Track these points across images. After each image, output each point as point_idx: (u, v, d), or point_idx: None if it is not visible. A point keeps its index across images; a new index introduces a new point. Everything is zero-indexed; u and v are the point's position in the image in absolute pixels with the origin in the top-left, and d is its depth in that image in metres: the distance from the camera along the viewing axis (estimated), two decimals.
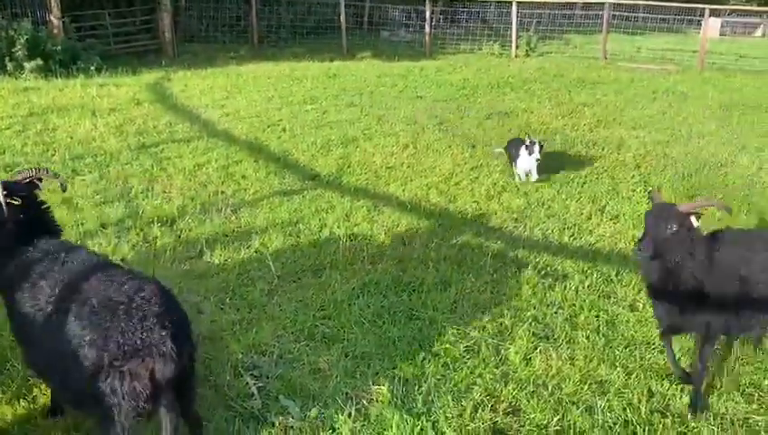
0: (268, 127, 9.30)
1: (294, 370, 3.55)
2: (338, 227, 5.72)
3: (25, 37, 12.15)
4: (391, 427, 3.11)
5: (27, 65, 12.13)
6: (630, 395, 3.45)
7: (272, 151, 8.13)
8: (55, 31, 13.08)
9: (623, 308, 4.39)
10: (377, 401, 3.34)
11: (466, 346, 3.87)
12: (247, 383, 3.40)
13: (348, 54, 17.59)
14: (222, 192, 6.60)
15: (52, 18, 13.22)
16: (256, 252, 5.19)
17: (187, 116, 9.75)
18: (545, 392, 3.46)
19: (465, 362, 3.69)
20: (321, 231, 5.67)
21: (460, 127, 9.60)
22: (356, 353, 3.75)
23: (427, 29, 18.54)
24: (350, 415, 3.18)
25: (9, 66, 12.11)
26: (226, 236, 5.47)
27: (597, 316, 4.25)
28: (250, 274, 4.80)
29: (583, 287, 4.60)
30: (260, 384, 3.39)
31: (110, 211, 5.84)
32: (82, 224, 5.51)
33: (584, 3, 19.58)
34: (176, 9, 16.40)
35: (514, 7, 18.23)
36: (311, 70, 14.57)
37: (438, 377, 3.55)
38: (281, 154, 8.03)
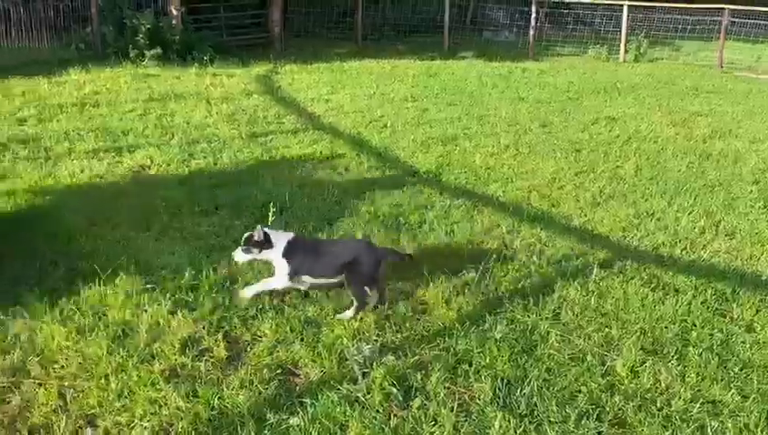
0: (370, 122, 9.44)
1: (397, 359, 3.60)
2: (437, 224, 5.74)
3: (147, 27, 12.94)
4: (494, 425, 3.10)
5: (148, 53, 12.90)
6: (746, 419, 3.28)
7: (373, 146, 8.26)
8: (174, 22, 13.83)
9: (739, 328, 4.16)
10: (478, 398, 3.34)
11: (570, 354, 3.79)
12: (352, 368, 3.49)
13: (449, 53, 17.56)
14: (326, 182, 6.77)
15: (172, 9, 13.99)
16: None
17: (294, 108, 10.07)
18: (653, 407, 3.34)
19: (570, 370, 3.62)
20: (420, 226, 5.71)
21: (564, 131, 9.39)
22: (457, 350, 3.76)
23: (531, 31, 18.21)
24: (452, 410, 3.20)
25: (132, 54, 12.93)
26: (331, 224, 5.61)
27: (710, 335, 4.05)
28: None
29: (696, 304, 4.39)
30: (365, 370, 3.47)
31: (223, 194, 6.12)
32: (199, 204, 5.81)
33: (700, 8, 18.56)
34: (285, 4, 16.92)
35: (625, 10, 17.58)
36: (412, 68, 14.67)
37: (541, 381, 3.50)
38: (382, 149, 8.14)
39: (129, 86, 10.69)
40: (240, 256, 4.23)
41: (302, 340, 3.79)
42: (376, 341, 3.80)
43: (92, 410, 3.13)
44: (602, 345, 3.91)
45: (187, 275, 4.40)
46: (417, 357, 3.65)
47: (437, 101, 11.22)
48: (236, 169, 6.99)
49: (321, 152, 7.80)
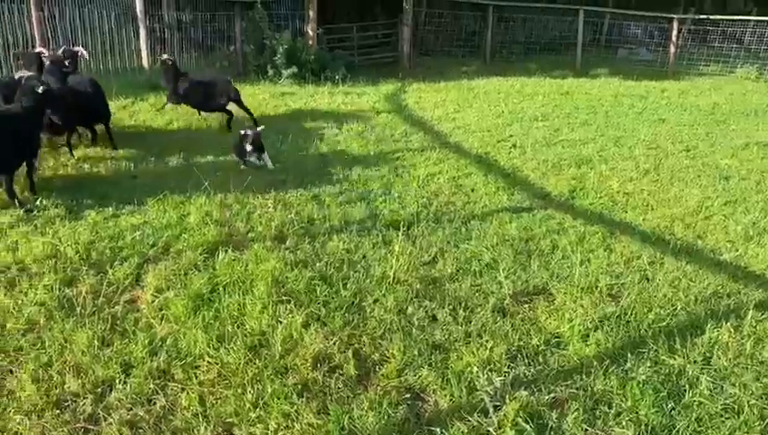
0: (498, 142, 9.28)
1: (531, 395, 3.44)
2: (571, 251, 5.49)
3: (285, 47, 13.56)
4: None
5: (285, 72, 13.52)
6: None
7: (501, 166, 8.10)
8: (310, 42, 14.41)
9: None
10: None
11: (724, 404, 3.44)
12: (482, 400, 3.37)
13: (582, 71, 16.98)
14: (452, 203, 6.70)
15: (308, 30, 14.59)
16: (487, 266, 5.16)
17: (422, 127, 10.11)
18: None
19: (724, 422, 3.29)
20: (552, 252, 5.49)
21: (710, 156, 8.72)
22: (595, 390, 3.53)
23: (672, 48, 17.20)
24: None
25: (270, 72, 13.60)
26: (457, 247, 5.53)
27: None
28: (481, 287, 4.79)
29: None
30: (496, 403, 3.34)
31: (353, 211, 6.22)
32: (329, 220, 5.94)
33: None
34: (415, 24, 17.14)
35: None
36: (542, 86, 14.31)
37: (691, 432, 3.20)
38: (510, 170, 7.96)
39: (267, 103, 11.23)
40: None
41: (430, 365, 3.73)
42: (507, 373, 3.66)
43: (230, 419, 3.24)
44: (761, 397, 3.52)
45: (318, 289, 4.49)
46: (552, 394, 3.46)
47: (570, 120, 10.85)
48: (365, 186, 7.09)
49: (447, 171, 7.75)
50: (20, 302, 4.18)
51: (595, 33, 20.03)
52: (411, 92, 13.25)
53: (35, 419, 3.17)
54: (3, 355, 3.67)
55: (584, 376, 3.66)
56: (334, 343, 3.87)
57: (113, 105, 10.19)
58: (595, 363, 3.74)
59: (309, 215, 6.06)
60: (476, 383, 3.55)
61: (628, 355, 3.85)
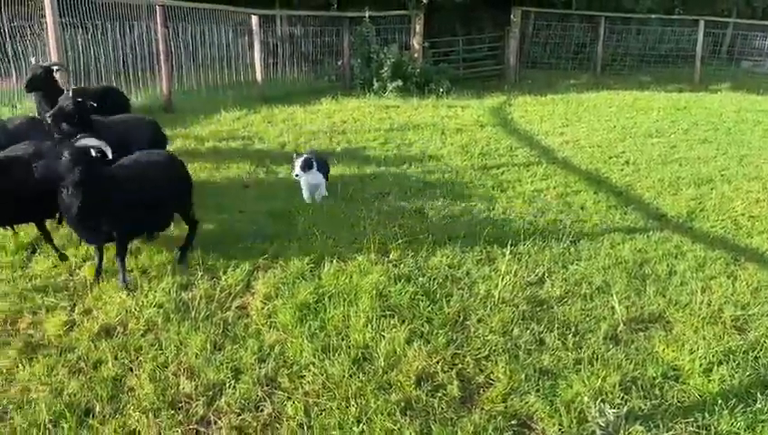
0: (609, 158, 8.91)
1: (647, 431, 3.22)
2: (690, 277, 5.14)
3: (392, 60, 13.73)
4: None
5: (390, 85, 13.69)
6: None
7: (613, 184, 7.75)
8: (416, 55, 14.52)
9: None
10: None
11: None
12: (594, 432, 3.20)
13: (700, 85, 16.04)
14: (560, 220, 6.47)
15: (414, 43, 14.71)
16: (598, 290, 4.93)
17: (527, 141, 9.89)
18: None
19: None
20: (669, 278, 5.16)
21: None
22: (719, 430, 3.26)
23: None
24: None
25: (375, 85, 13.81)
26: (566, 267, 5.32)
27: None
28: (592, 312, 4.57)
29: None
30: None
31: (456, 226, 6.15)
32: (432, 235, 5.90)
33: None
34: (522, 36, 16.87)
35: None
36: (657, 100, 13.64)
37: None
38: (623, 188, 7.60)
39: (372, 116, 11.40)
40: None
41: (537, 391, 3.58)
42: (621, 405, 3.45)
43: (333, 432, 3.25)
44: None
45: (421, 305, 4.45)
46: (670, 432, 3.23)
47: (687, 137, 10.24)
48: (468, 200, 7.00)
49: (554, 187, 7.51)
50: (141, 303, 4.42)
51: (716, 44, 18.88)
52: (517, 106, 13.01)
53: (152, 417, 3.32)
54: (125, 353, 3.89)
55: (707, 414, 3.39)
56: (437, 362, 3.82)
57: (229, 116, 10.73)
58: (719, 401, 3.46)
59: (412, 228, 6.05)
60: (587, 414, 3.38)
61: (758, 395, 3.52)
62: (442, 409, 3.42)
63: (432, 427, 3.25)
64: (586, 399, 3.49)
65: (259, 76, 12.48)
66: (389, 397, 3.48)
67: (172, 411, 3.38)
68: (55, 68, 7.13)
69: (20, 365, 3.79)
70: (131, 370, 3.76)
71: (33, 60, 8.03)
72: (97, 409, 3.39)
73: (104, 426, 3.26)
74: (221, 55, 12.76)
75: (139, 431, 3.25)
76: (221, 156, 8.50)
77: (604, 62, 17.97)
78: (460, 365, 3.83)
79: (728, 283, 5.05)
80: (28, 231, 5.51)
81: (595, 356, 3.95)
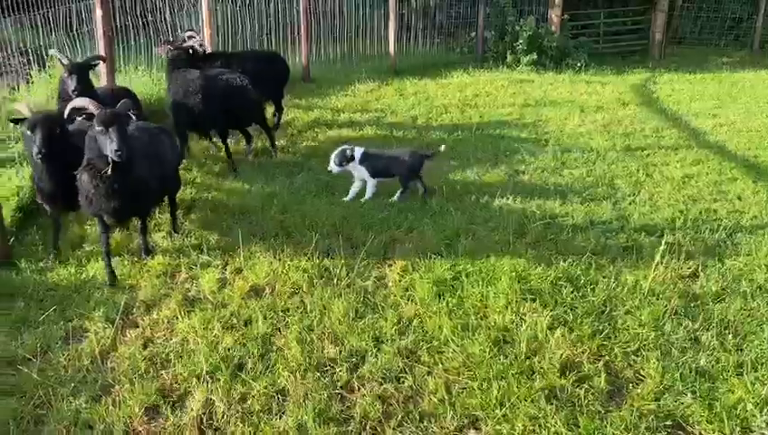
0: None
1: None
2: None
3: (528, 33, 13.24)
4: None
5: (524, 59, 13.23)
6: None
7: None
8: (553, 28, 13.90)
9: None
10: None
11: None
12: None
13: None
14: (714, 211, 5.99)
15: (552, 16, 14.08)
16: (760, 288, 4.52)
17: (675, 122, 9.21)
18: None
19: None
20: None
21: None
22: None
23: None
24: None
25: (509, 58, 13.40)
26: (722, 262, 4.91)
27: None
28: (754, 311, 4.19)
29: None
30: None
31: (599, 210, 5.86)
32: (572, 217, 5.66)
33: None
34: (670, 10, 15.66)
35: None
36: None
37: None
38: None
39: (505, 90, 11.09)
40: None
41: (693, 392, 3.34)
42: None
43: (475, 412, 3.22)
44: None
45: (564, 291, 4.29)
46: None
47: None
48: (611, 183, 6.64)
49: (706, 174, 6.95)
50: (287, 267, 4.59)
51: None
52: (662, 84, 12.14)
53: (299, 378, 3.45)
54: (273, 314, 4.06)
55: None
56: (583, 352, 3.66)
57: (362, 88, 10.85)
58: None
59: (550, 209, 5.84)
60: (751, 423, 3.11)
61: None
62: (589, 401, 3.28)
63: (579, 418, 3.13)
64: (750, 407, 3.21)
65: (392, 48, 12.48)
66: (533, 383, 3.39)
67: (318, 374, 3.49)
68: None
69: (179, 316, 4.06)
70: (279, 330, 3.92)
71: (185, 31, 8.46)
72: (249, 365, 3.57)
73: (255, 382, 3.43)
74: (356, 27, 12.89)
75: (287, 390, 3.38)
76: (356, 127, 8.63)
77: (764, 38, 16.31)
78: (607, 357, 3.65)
79: None
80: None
81: (759, 361, 3.63)
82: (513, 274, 4.47)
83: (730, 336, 3.85)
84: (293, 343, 3.73)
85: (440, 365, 3.57)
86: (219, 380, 3.43)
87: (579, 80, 12.26)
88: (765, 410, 3.20)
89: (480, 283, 4.38)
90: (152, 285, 4.46)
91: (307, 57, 11.29)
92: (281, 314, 4.06)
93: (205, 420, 3.20)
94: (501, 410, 3.20)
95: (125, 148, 4.07)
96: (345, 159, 5.85)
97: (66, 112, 4.44)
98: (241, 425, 3.14)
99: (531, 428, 3.09)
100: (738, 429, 3.08)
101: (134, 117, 4.40)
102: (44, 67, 7.44)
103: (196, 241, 5.11)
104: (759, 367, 3.56)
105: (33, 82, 7.51)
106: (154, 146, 4.91)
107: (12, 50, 6.95)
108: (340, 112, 9.37)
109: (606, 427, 3.09)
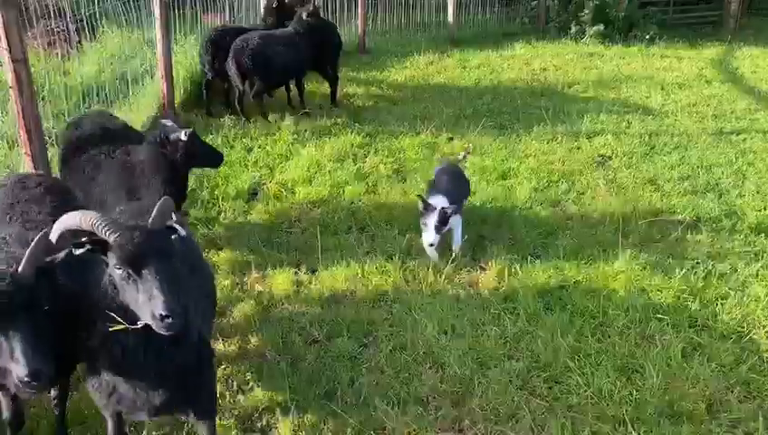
0: None
1: None
2: None
3: (596, 2, 12.33)
4: None
5: (589, 30, 12.33)
6: None
7: None
8: None
9: None
10: None
11: None
12: None
13: None
14: None
15: None
16: None
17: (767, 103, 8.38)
18: None
19: None
20: None
21: None
22: None
23: None
24: None
25: (573, 29, 12.53)
26: None
27: None
28: None
29: None
30: None
31: (703, 204, 5.22)
32: (675, 213, 5.03)
33: None
34: None
35: None
36: None
37: None
38: None
39: (574, 64, 10.31)
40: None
41: None
42: None
43: None
44: None
45: (691, 307, 3.70)
46: None
47: None
48: (709, 172, 5.95)
49: None
50: (366, 269, 4.07)
51: None
52: (742, 59, 11.18)
53: (400, 413, 2.94)
54: (358, 326, 3.55)
55: None
56: (730, 388, 3.09)
57: (422, 60, 10.19)
58: None
59: (651, 203, 5.22)
60: None
61: None
62: None
63: None
64: None
65: (451, 17, 11.74)
66: (679, 428, 2.83)
67: (419, 408, 2.99)
68: None
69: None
70: (366, 346, 3.43)
71: None
72: (338, 392, 3.08)
73: (349, 415, 2.94)
74: None
75: (388, 429, 2.88)
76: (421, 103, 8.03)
77: None
78: (760, 394, 3.08)
79: None
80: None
81: None
82: (629, 285, 3.89)
83: None
84: (386, 367, 3.23)
85: (561, 400, 3.04)
86: (307, 411, 2.96)
87: (651, 54, 11.36)
88: None
89: (592, 295, 3.82)
90: None
91: (363, 28, 10.65)
92: (367, 326, 3.56)
93: None
94: None
95: (178, 306, 2.06)
96: (446, 219, 4.15)
97: (54, 237, 2.24)
98: None
99: None
100: None
101: (180, 230, 2.27)
102: (95, 36, 6.99)
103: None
104: None
105: (83, 52, 7.11)
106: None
107: (64, 17, 6.50)
108: (401, 88, 8.73)
109: None
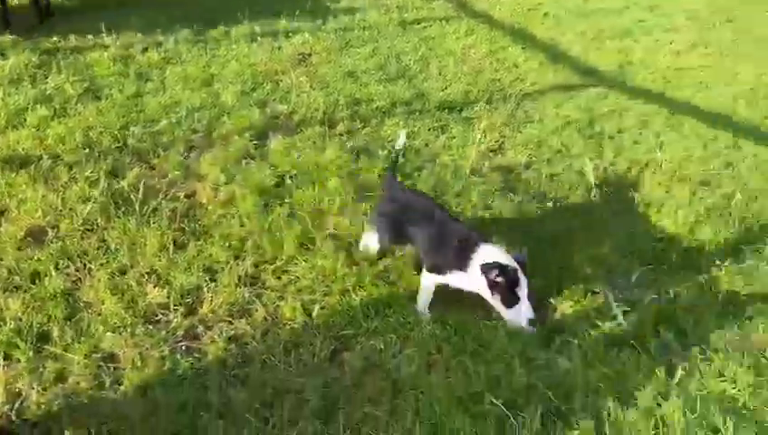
0: (528, 10, 8.55)
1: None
2: (639, 134, 5.18)
3: None
4: None
5: None
6: None
7: (538, 39, 7.50)
8: None
9: None
10: None
11: None
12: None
13: None
14: (498, 80, 6.23)
15: None
16: (559, 153, 4.84)
17: None
18: None
19: None
20: (620, 135, 5.19)
21: (756, 28, 8.20)
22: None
23: None
24: None
25: None
26: (520, 131, 5.15)
27: None
28: (560, 176, 4.46)
29: None
30: None
31: (397, 90, 5.69)
32: (373, 100, 5.42)
33: None
34: None
35: None
36: None
37: None
38: (549, 43, 7.38)
39: None
40: None
41: None
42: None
43: (343, 331, 2.93)
44: None
45: None
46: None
47: None
48: (398, 59, 6.47)
49: (481, 44, 7.15)
50: (67, 198, 3.68)
51: None
52: None
53: (127, 335, 2.81)
54: (68, 261, 3.23)
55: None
56: None
57: None
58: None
59: (351, 94, 5.53)
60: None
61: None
62: None
63: None
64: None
65: None
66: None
67: (149, 327, 2.89)
68: None
69: None
70: (81, 280, 3.15)
71: None
72: (55, 333, 2.81)
73: (70, 352, 2.71)
74: None
75: (117, 356, 2.74)
76: None
77: None
78: None
79: (677, 137, 5.14)
80: None
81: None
82: (341, 172, 4.14)
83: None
84: (106, 294, 3.02)
85: (292, 286, 3.19)
86: (20, 360, 2.66)
87: None
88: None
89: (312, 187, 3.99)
90: None
91: None
92: (78, 259, 3.25)
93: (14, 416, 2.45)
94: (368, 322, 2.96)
95: None
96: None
97: None
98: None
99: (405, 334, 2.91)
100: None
101: None
102: None
103: None
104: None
105: None
106: None
107: None
108: None
109: None
